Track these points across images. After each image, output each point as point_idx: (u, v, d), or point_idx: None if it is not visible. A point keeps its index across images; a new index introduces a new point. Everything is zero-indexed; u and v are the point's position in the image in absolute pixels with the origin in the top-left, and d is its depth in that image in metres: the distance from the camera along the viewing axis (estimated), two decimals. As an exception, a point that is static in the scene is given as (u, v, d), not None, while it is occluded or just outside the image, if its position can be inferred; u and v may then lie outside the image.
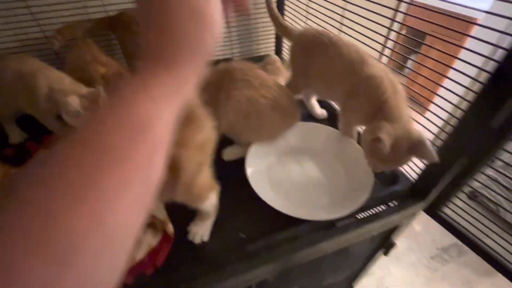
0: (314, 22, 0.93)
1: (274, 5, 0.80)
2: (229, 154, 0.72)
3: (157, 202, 0.57)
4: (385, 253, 0.82)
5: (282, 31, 0.81)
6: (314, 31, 0.70)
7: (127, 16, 0.86)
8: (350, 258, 0.86)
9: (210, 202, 0.52)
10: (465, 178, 0.57)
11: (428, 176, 0.60)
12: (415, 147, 0.53)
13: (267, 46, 1.24)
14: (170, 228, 0.54)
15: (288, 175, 0.68)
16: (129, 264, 0.49)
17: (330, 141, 0.73)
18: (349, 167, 0.68)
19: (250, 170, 0.63)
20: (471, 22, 0.72)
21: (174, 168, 0.38)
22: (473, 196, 1.18)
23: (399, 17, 1.24)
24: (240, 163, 0.66)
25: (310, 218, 0.55)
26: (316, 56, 0.68)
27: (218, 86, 0.65)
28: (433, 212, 0.66)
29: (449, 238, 1.58)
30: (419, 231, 1.65)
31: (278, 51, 1.21)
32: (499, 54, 0.40)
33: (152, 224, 0.54)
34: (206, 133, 0.44)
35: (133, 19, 0.85)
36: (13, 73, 0.68)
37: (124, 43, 0.90)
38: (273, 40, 1.22)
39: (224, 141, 0.72)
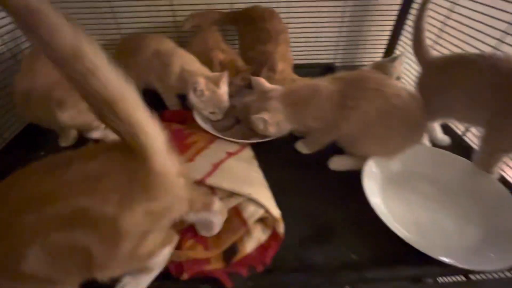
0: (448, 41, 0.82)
1: (425, 22, 0.69)
2: (337, 163, 0.68)
3: (271, 196, 0.55)
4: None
5: (420, 53, 0.70)
6: (459, 56, 0.63)
7: (254, 11, 0.89)
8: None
9: (159, 258, 0.41)
10: None
11: None
12: None
13: (374, 55, 1.16)
14: (281, 227, 0.52)
15: (409, 204, 0.60)
16: (240, 255, 0.49)
17: (463, 174, 0.62)
18: (488, 210, 0.56)
19: (370, 194, 0.56)
20: None
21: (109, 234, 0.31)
22: None
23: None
24: (349, 174, 0.61)
25: (447, 261, 0.47)
26: (463, 78, 0.59)
27: (345, 93, 0.61)
28: None
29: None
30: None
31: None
32: None
33: (264, 219, 0.52)
34: (164, 203, 0.35)
35: (260, 15, 0.87)
36: (153, 50, 0.75)
37: (244, 36, 0.93)
38: (382, 50, 1.13)
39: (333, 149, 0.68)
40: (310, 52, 1.12)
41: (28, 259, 0.28)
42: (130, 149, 0.32)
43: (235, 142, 0.68)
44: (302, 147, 0.71)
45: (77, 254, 0.30)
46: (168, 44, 0.77)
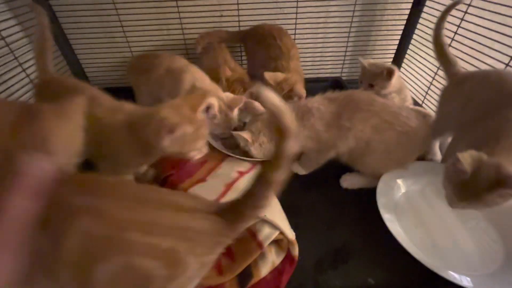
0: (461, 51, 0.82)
1: (443, 37, 0.70)
2: (349, 182, 0.67)
3: (285, 218, 0.55)
4: None
5: (446, 65, 0.70)
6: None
7: (264, 29, 0.90)
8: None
9: None
10: None
11: None
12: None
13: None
14: (296, 250, 0.51)
15: (426, 224, 0.59)
16: (255, 280, 0.48)
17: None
18: (509, 232, 0.55)
19: (385, 214, 0.56)
20: None
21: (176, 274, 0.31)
22: None
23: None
24: (363, 193, 0.60)
25: (467, 285, 0.45)
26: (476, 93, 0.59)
27: (339, 114, 0.62)
28: None
29: None
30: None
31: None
32: None
33: (278, 241, 0.51)
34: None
35: (269, 32, 0.89)
36: (165, 68, 0.76)
37: (253, 53, 0.94)
38: (389, 63, 1.13)
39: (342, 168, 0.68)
40: (317, 66, 1.14)
41: (100, 272, 0.29)
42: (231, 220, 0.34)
43: (246, 160, 0.68)
44: (299, 169, 0.71)
45: (140, 280, 0.31)
46: (180, 62, 0.78)
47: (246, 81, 0.87)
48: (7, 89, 0.77)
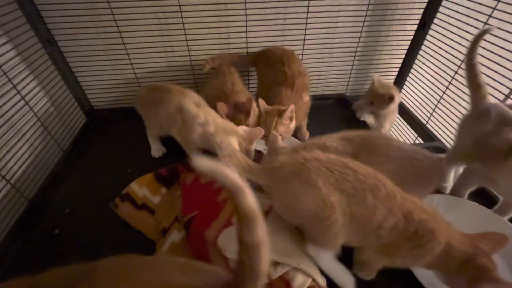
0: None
1: (477, 61, 0.66)
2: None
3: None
4: None
5: (473, 92, 0.67)
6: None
7: (273, 53, 0.89)
8: None
9: None
10: None
11: None
12: None
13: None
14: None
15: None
16: None
17: (486, 223, 0.64)
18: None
19: None
20: None
21: None
22: None
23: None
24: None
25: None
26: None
27: (356, 155, 0.62)
28: None
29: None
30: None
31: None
32: None
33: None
34: None
35: (279, 57, 0.88)
36: (176, 105, 0.73)
37: (263, 77, 0.93)
38: (392, 80, 1.16)
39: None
40: (322, 84, 1.14)
41: None
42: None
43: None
44: None
45: None
46: (190, 101, 0.73)
47: (251, 104, 0.85)
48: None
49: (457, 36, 0.85)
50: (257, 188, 0.73)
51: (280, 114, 0.77)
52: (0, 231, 0.67)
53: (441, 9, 0.91)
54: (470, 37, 0.65)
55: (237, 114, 0.80)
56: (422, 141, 1.00)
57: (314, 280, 0.52)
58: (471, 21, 0.80)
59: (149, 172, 0.75)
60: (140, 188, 0.72)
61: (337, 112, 1.08)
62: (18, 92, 0.77)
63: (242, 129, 0.72)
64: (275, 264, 0.53)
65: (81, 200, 0.73)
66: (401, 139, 1.11)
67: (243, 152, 0.69)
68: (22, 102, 0.79)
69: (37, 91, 0.86)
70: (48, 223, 0.68)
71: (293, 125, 0.81)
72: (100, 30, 0.90)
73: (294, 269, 0.52)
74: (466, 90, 0.82)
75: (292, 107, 0.76)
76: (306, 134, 0.92)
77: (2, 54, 0.73)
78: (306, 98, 0.91)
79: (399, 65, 1.10)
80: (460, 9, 0.84)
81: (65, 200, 0.73)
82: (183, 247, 0.60)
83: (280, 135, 0.78)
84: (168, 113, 0.73)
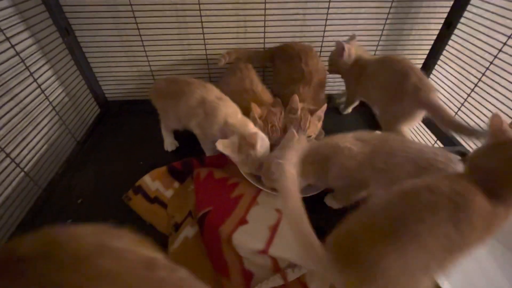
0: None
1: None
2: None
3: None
4: None
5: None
6: None
7: (292, 49, 0.87)
8: None
9: None
10: None
11: None
12: None
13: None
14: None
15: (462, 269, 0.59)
16: None
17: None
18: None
19: None
20: None
21: None
22: None
23: None
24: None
25: None
26: None
27: (373, 156, 0.60)
28: None
29: None
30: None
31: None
32: None
33: (327, 291, 0.50)
34: None
35: (297, 53, 0.86)
36: (198, 98, 0.72)
37: (279, 73, 0.91)
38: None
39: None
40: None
41: None
42: None
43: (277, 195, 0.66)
44: (332, 202, 0.69)
45: None
46: (212, 94, 0.73)
47: (268, 104, 0.83)
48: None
49: (485, 36, 0.81)
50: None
51: (312, 113, 0.75)
52: (14, 220, 0.67)
53: (469, 7, 0.87)
54: (499, 37, 0.61)
55: (271, 117, 0.77)
56: (442, 145, 0.96)
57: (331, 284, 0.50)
58: (500, 20, 0.75)
59: (161, 165, 0.74)
60: (152, 181, 0.71)
61: (355, 111, 1.05)
62: (35, 80, 0.76)
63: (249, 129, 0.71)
64: (292, 266, 0.51)
65: (94, 191, 0.73)
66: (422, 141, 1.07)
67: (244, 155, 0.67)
68: (38, 91, 0.79)
69: (52, 80, 0.86)
70: (60, 213, 0.67)
71: (320, 125, 0.79)
72: (118, 21, 0.89)
73: (312, 272, 0.50)
74: (493, 92, 0.79)
75: (324, 106, 0.75)
76: (321, 133, 0.89)
77: (21, 42, 0.73)
78: (323, 97, 0.89)
79: (421, 65, 1.06)
80: (491, 7, 0.80)
81: (78, 190, 0.73)
82: (196, 243, 0.58)
83: (309, 136, 0.76)
84: (190, 105, 0.72)
